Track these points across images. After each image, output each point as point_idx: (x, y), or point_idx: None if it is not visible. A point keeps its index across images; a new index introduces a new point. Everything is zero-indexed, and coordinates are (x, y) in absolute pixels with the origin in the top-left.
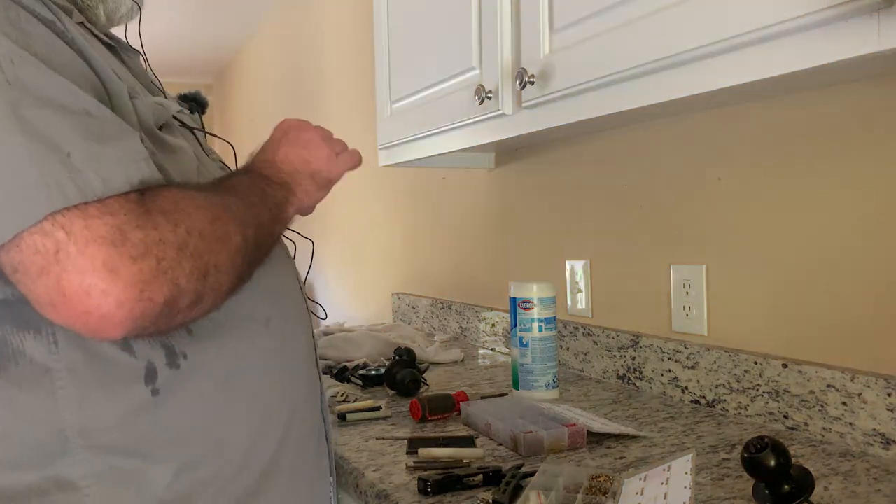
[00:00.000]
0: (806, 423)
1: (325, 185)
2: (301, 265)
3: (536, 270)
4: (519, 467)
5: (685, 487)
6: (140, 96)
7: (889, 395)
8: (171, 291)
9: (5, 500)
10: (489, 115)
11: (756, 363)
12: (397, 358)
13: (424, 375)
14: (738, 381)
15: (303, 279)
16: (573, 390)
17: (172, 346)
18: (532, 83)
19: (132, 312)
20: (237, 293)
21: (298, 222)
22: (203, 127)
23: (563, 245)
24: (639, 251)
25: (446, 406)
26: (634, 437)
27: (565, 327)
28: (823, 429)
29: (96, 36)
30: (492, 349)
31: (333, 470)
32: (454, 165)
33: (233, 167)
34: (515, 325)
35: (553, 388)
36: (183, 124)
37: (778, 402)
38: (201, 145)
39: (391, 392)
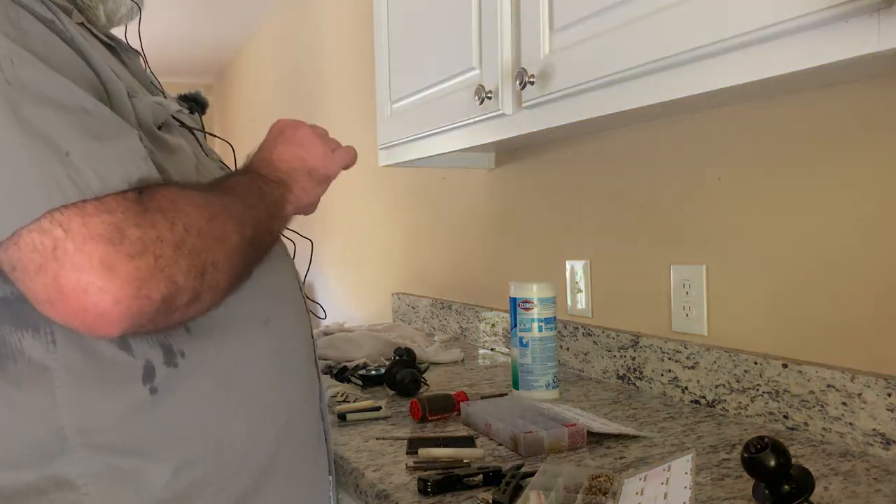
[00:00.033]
0: (806, 423)
1: (322, 181)
2: (300, 265)
3: (536, 270)
4: (519, 467)
5: (685, 487)
6: (139, 95)
7: (889, 395)
8: (168, 289)
9: (4, 499)
10: (489, 115)
11: (756, 363)
12: (397, 358)
13: (424, 375)
14: (738, 381)
15: (302, 279)
16: (573, 390)
17: (170, 345)
18: (532, 83)
19: (129, 310)
20: (236, 292)
21: (298, 222)
22: (203, 127)
23: (563, 245)
24: (639, 251)
25: (446, 406)
26: (634, 437)
27: (565, 327)
28: (823, 429)
29: (96, 36)
30: (492, 349)
31: (333, 469)
32: (454, 165)
33: (232, 167)
34: (515, 325)
35: (553, 388)
36: (182, 124)
37: (778, 402)
38: (201, 145)
39: (391, 392)
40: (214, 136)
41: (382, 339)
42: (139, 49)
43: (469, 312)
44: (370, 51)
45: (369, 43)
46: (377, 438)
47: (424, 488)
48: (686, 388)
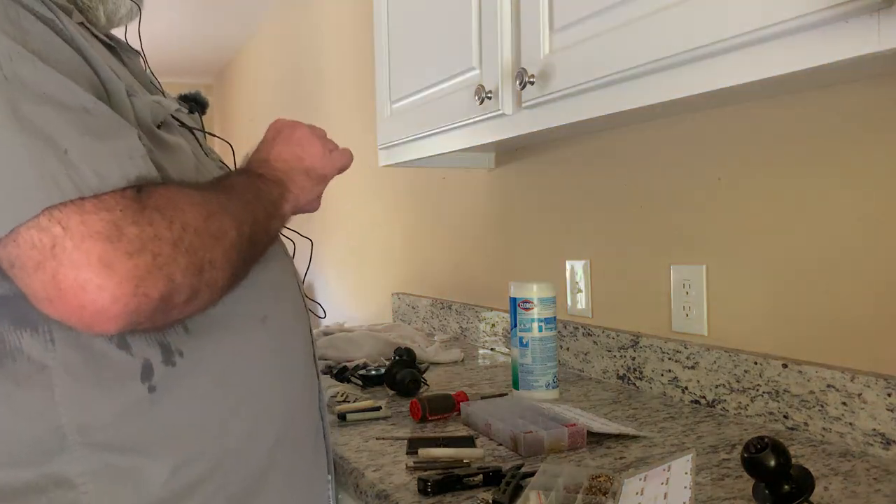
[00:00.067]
0: (806, 423)
1: (320, 180)
2: (300, 264)
3: (536, 270)
4: (519, 467)
5: (685, 487)
6: (138, 94)
7: (889, 395)
8: (166, 287)
9: (4, 498)
10: (489, 115)
11: (756, 363)
12: (397, 358)
13: (424, 375)
14: (738, 381)
15: (301, 278)
16: (573, 390)
17: (169, 343)
18: (532, 83)
19: (127, 307)
20: (233, 290)
21: (298, 221)
22: (203, 127)
23: (563, 245)
24: (639, 251)
25: (446, 406)
26: (634, 437)
27: (565, 327)
28: (823, 429)
29: (96, 36)
30: (492, 349)
31: (332, 468)
32: (454, 165)
33: (232, 167)
34: (515, 325)
35: (553, 388)
36: (182, 124)
37: (778, 402)
38: (200, 145)
39: (391, 392)
40: (214, 135)
41: (382, 339)
42: (139, 49)
43: (469, 312)
44: (370, 51)
45: (369, 43)
46: (377, 438)
47: (424, 488)
48: (686, 388)
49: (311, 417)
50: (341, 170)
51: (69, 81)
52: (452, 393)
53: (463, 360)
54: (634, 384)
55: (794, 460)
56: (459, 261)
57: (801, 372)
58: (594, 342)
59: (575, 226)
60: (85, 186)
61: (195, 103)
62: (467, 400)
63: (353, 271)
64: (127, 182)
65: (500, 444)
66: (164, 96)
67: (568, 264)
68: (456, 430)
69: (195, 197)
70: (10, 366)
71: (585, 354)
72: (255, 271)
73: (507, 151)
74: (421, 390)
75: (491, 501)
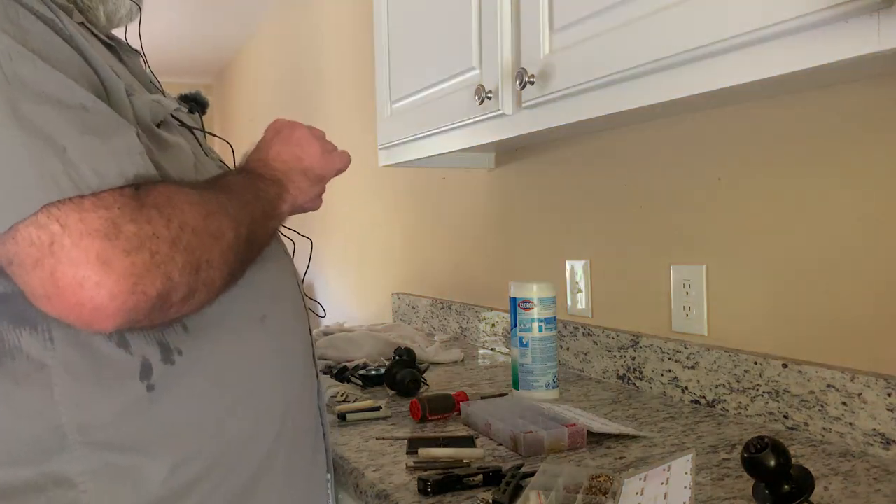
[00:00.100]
0: (806, 423)
1: (318, 181)
2: (300, 264)
3: (536, 270)
4: (519, 467)
5: (685, 487)
6: (137, 93)
7: (889, 395)
8: (163, 285)
9: (3, 497)
10: (489, 115)
11: (756, 363)
12: (397, 358)
13: (424, 375)
14: (738, 381)
15: (301, 278)
16: (573, 390)
17: (167, 342)
18: (532, 83)
19: (125, 305)
20: (232, 289)
21: (298, 221)
22: (203, 127)
23: (563, 245)
24: (639, 251)
25: (446, 406)
26: (634, 437)
27: (565, 327)
28: (823, 429)
29: (96, 36)
30: (492, 349)
31: (331, 467)
32: (454, 165)
33: (231, 167)
34: (515, 325)
35: (553, 388)
36: (182, 123)
37: (778, 402)
38: (200, 144)
39: (391, 392)
40: (214, 135)
41: (382, 339)
42: (139, 49)
43: (469, 312)
44: (370, 51)
45: (369, 43)
46: (377, 438)
47: (424, 488)
48: (686, 388)
49: (310, 417)
50: (339, 171)
51: (69, 80)
52: (452, 393)
53: (463, 360)
54: (634, 384)
55: (794, 460)
56: (459, 261)
57: (801, 372)
58: (594, 342)
59: (575, 226)
60: (84, 184)
61: (195, 103)
62: (467, 400)
63: (353, 271)
64: (125, 180)
65: (500, 444)
66: (164, 96)
67: (568, 264)
68: (456, 430)
69: (193, 196)
70: (10, 364)
71: (585, 354)
72: (254, 271)
73: (507, 151)
74: (421, 390)
75: (491, 501)
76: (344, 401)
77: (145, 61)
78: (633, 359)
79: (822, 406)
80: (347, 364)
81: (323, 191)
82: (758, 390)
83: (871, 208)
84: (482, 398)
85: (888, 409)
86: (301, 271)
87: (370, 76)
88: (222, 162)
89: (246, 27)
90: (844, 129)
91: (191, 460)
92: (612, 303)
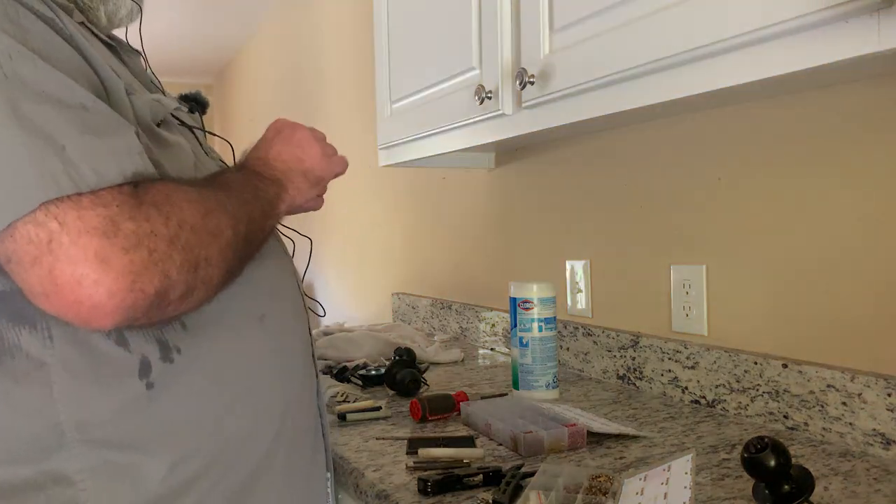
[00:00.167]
0: (806, 423)
1: (316, 183)
2: (299, 263)
3: (536, 270)
4: (519, 467)
5: (685, 487)
6: (137, 93)
7: (889, 395)
8: (161, 283)
9: (2, 496)
10: (489, 115)
11: (756, 363)
12: (397, 358)
13: (424, 375)
14: (738, 381)
15: (301, 277)
16: (573, 390)
17: (166, 340)
18: (532, 83)
19: (123, 302)
20: (229, 287)
21: (298, 221)
22: (203, 126)
23: (563, 245)
24: (639, 251)
25: (446, 406)
26: (634, 437)
27: (565, 327)
28: (823, 429)
29: (96, 35)
30: (492, 349)
31: (331, 466)
32: (454, 165)
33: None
34: (515, 325)
35: (553, 388)
36: (182, 122)
37: (778, 402)
38: (200, 144)
39: (391, 392)
40: (214, 134)
41: (382, 339)
42: (140, 49)
43: (469, 312)
44: (370, 51)
45: (369, 43)
46: (377, 438)
47: (424, 488)
48: (686, 388)
49: (309, 416)
50: (337, 175)
51: (68, 80)
52: (452, 393)
53: (463, 360)
54: (634, 384)
55: (794, 460)
56: (459, 261)
57: (801, 372)
58: (594, 342)
59: (575, 226)
60: (82, 182)
61: (195, 103)
62: (467, 400)
63: (353, 271)
64: (124, 178)
65: (500, 444)
66: (165, 95)
67: (568, 264)
68: (456, 430)
69: (192, 194)
70: (9, 363)
71: (585, 354)
72: (254, 270)
73: (507, 151)
74: (421, 390)
75: (491, 501)
76: (344, 401)
77: (146, 61)
78: (633, 359)
79: (822, 406)
80: (347, 364)
81: (323, 191)
82: (758, 390)
83: (871, 208)
84: (482, 398)
85: (888, 409)
86: (301, 271)
87: (370, 76)
88: (222, 161)
89: (246, 27)
90: (844, 129)
91: (189, 458)
92: (612, 303)
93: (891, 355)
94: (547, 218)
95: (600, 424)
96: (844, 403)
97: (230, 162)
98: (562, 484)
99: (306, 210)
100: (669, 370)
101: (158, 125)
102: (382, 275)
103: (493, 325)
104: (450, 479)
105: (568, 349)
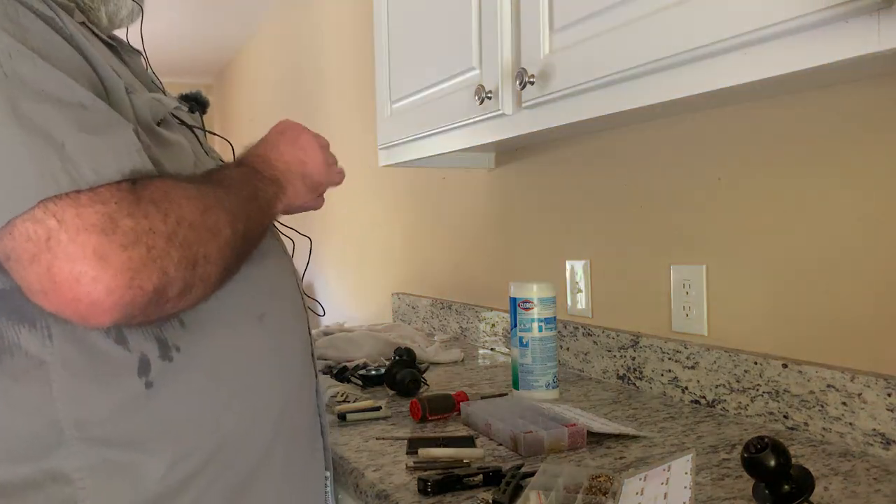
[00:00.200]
0: (806, 423)
1: (314, 188)
2: (299, 263)
3: (536, 270)
4: (519, 467)
5: (685, 487)
6: (137, 92)
7: (889, 395)
8: (160, 280)
9: (2, 494)
10: (489, 115)
11: (756, 363)
12: (397, 358)
13: (424, 375)
14: (738, 381)
15: (300, 276)
16: (573, 390)
17: (165, 338)
18: (532, 83)
19: (122, 299)
20: (227, 286)
21: (298, 221)
22: (203, 126)
23: (563, 245)
24: (639, 251)
25: (446, 406)
26: (634, 437)
27: (565, 327)
28: (823, 429)
29: (97, 35)
30: (492, 349)
31: (330, 465)
32: (454, 165)
33: None
34: (515, 325)
35: (553, 388)
36: (182, 122)
37: (778, 402)
38: (201, 143)
39: (391, 392)
40: (214, 133)
41: (382, 339)
42: (140, 49)
43: (469, 312)
44: (370, 51)
45: (369, 43)
46: (377, 438)
47: (424, 488)
48: (686, 388)
49: (308, 415)
50: (334, 185)
51: (68, 79)
52: (452, 393)
53: (463, 360)
54: (634, 384)
55: (794, 460)
56: (459, 261)
57: (801, 372)
58: (594, 342)
59: (575, 226)
60: (82, 180)
61: (196, 103)
62: (467, 400)
63: (353, 271)
64: (122, 175)
65: (500, 444)
66: (165, 95)
67: (568, 264)
68: (456, 430)
69: (191, 190)
70: (9, 361)
71: (585, 354)
72: (253, 269)
73: (507, 151)
74: (421, 390)
75: (491, 501)
76: (344, 401)
77: (146, 61)
78: (633, 359)
79: (822, 406)
80: (347, 364)
81: (320, 193)
82: (758, 390)
83: (871, 208)
84: (482, 398)
85: (888, 409)
86: (300, 270)
87: (370, 76)
88: (222, 161)
89: (246, 27)
90: (844, 129)
91: (188, 456)
92: (612, 303)
93: (891, 355)
94: (547, 218)
95: (600, 424)
96: (844, 403)
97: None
98: (562, 484)
99: (306, 209)
100: (669, 370)
101: (158, 124)
102: (382, 275)
103: (493, 325)
104: (450, 479)
105: (568, 349)
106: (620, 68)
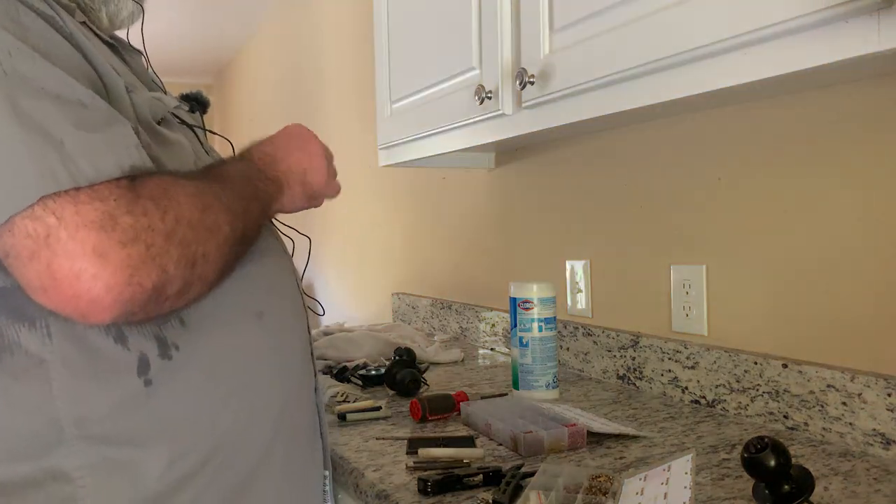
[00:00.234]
0: (806, 423)
1: (311, 197)
2: (298, 262)
3: (536, 270)
4: (519, 467)
5: (685, 487)
6: (138, 91)
7: (889, 395)
8: (159, 277)
9: (2, 493)
10: (489, 115)
11: (756, 363)
12: (397, 358)
13: (424, 375)
14: (738, 381)
15: (300, 276)
16: (573, 390)
17: (165, 337)
18: (532, 83)
19: (121, 296)
20: (227, 284)
21: (298, 220)
22: (203, 125)
23: (563, 245)
24: (639, 251)
25: (446, 406)
26: (634, 437)
27: (565, 327)
28: (823, 429)
29: (97, 35)
30: (492, 349)
31: (329, 463)
32: (454, 165)
33: None
34: (515, 325)
35: (553, 388)
36: (182, 121)
37: (778, 402)
38: (201, 143)
39: (391, 392)
40: (214, 133)
41: (382, 339)
42: (141, 49)
43: (469, 312)
44: (370, 51)
45: (369, 43)
46: (377, 438)
47: (424, 488)
48: (686, 388)
49: (307, 412)
50: (329, 198)
51: (68, 77)
52: (452, 393)
53: (463, 360)
54: (634, 384)
55: (794, 460)
56: (459, 261)
57: (801, 372)
58: (594, 342)
59: (575, 226)
60: (80, 176)
61: (196, 102)
62: (467, 400)
63: (353, 271)
64: (122, 172)
65: (500, 444)
66: (165, 94)
67: (568, 264)
68: (456, 430)
69: (190, 188)
70: (9, 360)
71: (585, 354)
72: (252, 267)
73: (507, 151)
74: (421, 390)
75: (491, 501)
76: (344, 401)
77: (147, 61)
78: (633, 359)
79: (822, 406)
80: (347, 364)
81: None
82: (758, 390)
83: (871, 208)
84: (482, 398)
85: (888, 409)
86: (299, 269)
87: (370, 76)
88: None
89: (246, 27)
90: (844, 129)
91: (187, 454)
92: (612, 303)
93: (891, 355)
94: (547, 218)
95: (600, 424)
96: (844, 403)
97: None
98: (562, 484)
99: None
100: (669, 370)
101: (159, 123)
102: (382, 275)
103: (493, 325)
104: (450, 479)
105: (568, 349)
106: (620, 68)
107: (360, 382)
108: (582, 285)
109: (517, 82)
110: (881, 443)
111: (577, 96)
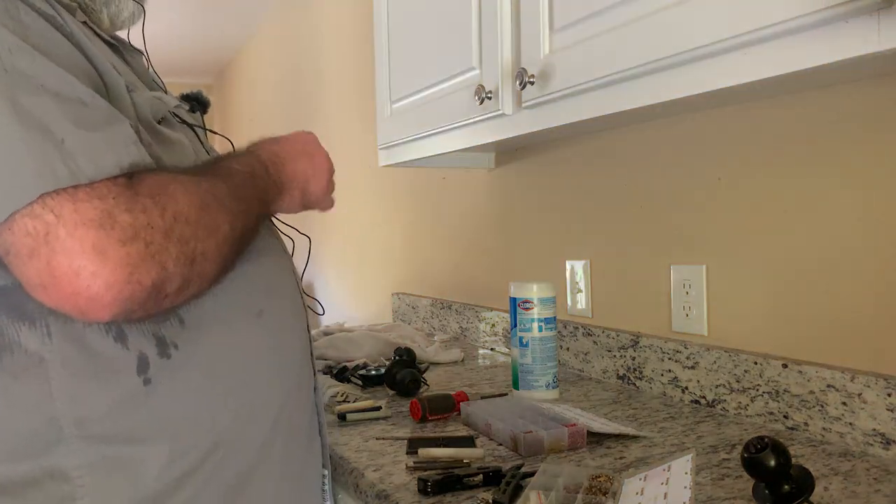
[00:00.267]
0: (806, 423)
1: (306, 206)
2: (298, 262)
3: (536, 270)
4: (519, 467)
5: (685, 487)
6: (138, 90)
7: (889, 395)
8: (158, 275)
9: (2, 492)
10: (489, 115)
11: (756, 363)
12: (397, 358)
13: (424, 375)
14: (738, 381)
15: (300, 275)
16: (573, 390)
17: (164, 336)
18: (532, 83)
19: (121, 294)
20: (226, 283)
21: (298, 220)
22: (204, 125)
23: (563, 245)
24: (639, 251)
25: (446, 406)
26: (634, 437)
27: (565, 327)
28: (823, 429)
29: (98, 35)
30: (492, 349)
31: (328, 462)
32: (454, 165)
33: None
34: (515, 325)
35: (553, 388)
36: (183, 121)
37: (778, 402)
38: (202, 142)
39: (391, 392)
40: (214, 132)
41: (382, 339)
42: (142, 49)
43: (469, 312)
44: (370, 51)
45: (369, 43)
46: (377, 438)
47: (424, 488)
48: (686, 388)
49: (306, 412)
50: (321, 210)
51: (68, 75)
52: (452, 393)
53: (463, 360)
54: (634, 384)
55: (794, 460)
56: (459, 261)
57: (801, 372)
58: (594, 342)
59: (575, 226)
60: (81, 175)
61: (197, 102)
62: (467, 400)
63: (353, 271)
64: (120, 169)
65: (500, 444)
66: (166, 94)
67: (568, 264)
68: (456, 430)
69: (189, 185)
70: (8, 359)
71: (585, 354)
72: (252, 266)
73: (507, 151)
74: (421, 390)
75: (491, 501)
76: (344, 401)
77: (148, 61)
78: (633, 359)
79: (822, 406)
80: (347, 364)
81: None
82: (758, 390)
83: (871, 208)
84: (482, 398)
85: (888, 409)
86: (299, 269)
87: (370, 76)
88: None
89: (246, 27)
90: (844, 129)
91: (186, 453)
92: (612, 303)
93: (891, 355)
94: (547, 218)
95: (600, 424)
96: (844, 403)
97: None
98: (562, 484)
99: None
100: (669, 370)
101: (160, 122)
102: (382, 275)
103: (493, 325)
104: (450, 479)
105: (568, 349)
106: (620, 68)
107: (360, 382)
108: (582, 285)
109: (517, 82)
110: (881, 443)
111: (577, 96)
